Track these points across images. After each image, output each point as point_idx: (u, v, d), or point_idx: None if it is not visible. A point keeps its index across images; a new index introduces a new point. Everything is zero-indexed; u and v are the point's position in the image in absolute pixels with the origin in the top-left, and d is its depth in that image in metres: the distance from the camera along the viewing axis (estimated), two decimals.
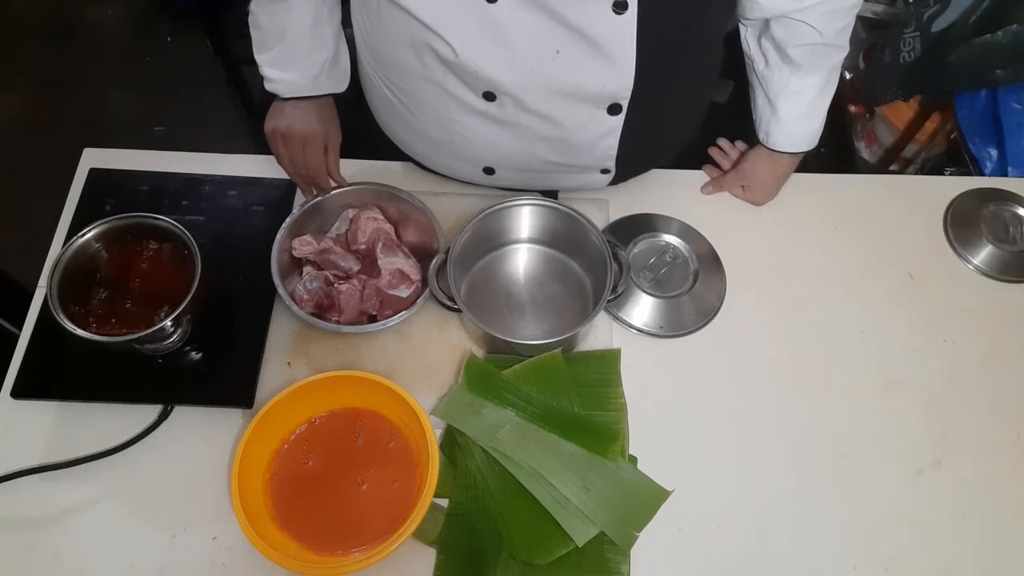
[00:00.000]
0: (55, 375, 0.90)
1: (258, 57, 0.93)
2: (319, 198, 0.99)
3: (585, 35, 0.76)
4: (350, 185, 1.00)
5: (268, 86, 0.94)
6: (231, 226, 1.01)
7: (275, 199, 1.03)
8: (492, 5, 0.74)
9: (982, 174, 1.52)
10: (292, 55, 0.92)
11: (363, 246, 0.99)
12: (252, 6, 0.90)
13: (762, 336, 0.99)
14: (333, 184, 1.00)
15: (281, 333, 0.95)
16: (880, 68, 1.79)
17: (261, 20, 0.90)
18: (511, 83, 0.82)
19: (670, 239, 1.05)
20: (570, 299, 0.99)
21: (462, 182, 1.06)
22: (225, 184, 1.04)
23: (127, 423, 0.88)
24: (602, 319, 0.99)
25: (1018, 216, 1.11)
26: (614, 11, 0.73)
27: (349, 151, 1.02)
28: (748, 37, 0.97)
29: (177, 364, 0.92)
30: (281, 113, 0.95)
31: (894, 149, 1.92)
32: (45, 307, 0.89)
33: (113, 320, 0.85)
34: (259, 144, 1.01)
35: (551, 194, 1.06)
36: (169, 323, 0.83)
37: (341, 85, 0.98)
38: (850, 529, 0.87)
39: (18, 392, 0.89)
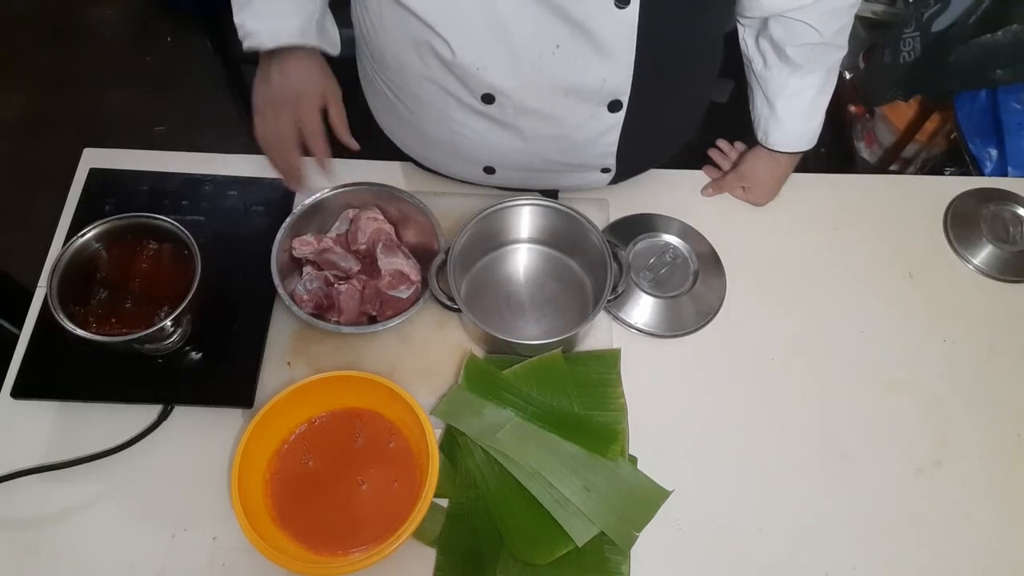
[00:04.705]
0: (55, 375, 0.90)
1: (237, 17, 0.85)
2: (319, 197, 0.99)
3: (586, 29, 0.75)
4: (350, 185, 1.00)
5: (248, 43, 0.83)
6: (231, 226, 1.01)
7: (275, 199, 1.03)
8: None
9: (982, 174, 1.52)
10: (275, 2, 0.83)
11: (363, 246, 0.98)
12: None
13: (762, 336, 0.99)
14: (327, 174, 0.92)
15: (281, 333, 0.95)
16: (880, 68, 1.79)
17: None
18: (511, 82, 0.81)
19: (670, 239, 1.05)
20: (570, 299, 0.99)
21: (462, 182, 1.05)
22: (225, 184, 1.04)
23: (127, 423, 0.88)
24: (602, 319, 0.99)
25: (1018, 216, 1.11)
26: (616, 5, 0.73)
27: (349, 151, 1.02)
28: (746, 37, 0.97)
29: (177, 364, 0.92)
30: (267, 78, 0.84)
31: (894, 149, 1.92)
32: (45, 307, 0.89)
33: (113, 320, 0.85)
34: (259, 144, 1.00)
35: (551, 194, 1.06)
36: (169, 323, 0.83)
37: (330, 49, 0.89)
38: (850, 529, 0.87)
39: (18, 392, 0.89)
